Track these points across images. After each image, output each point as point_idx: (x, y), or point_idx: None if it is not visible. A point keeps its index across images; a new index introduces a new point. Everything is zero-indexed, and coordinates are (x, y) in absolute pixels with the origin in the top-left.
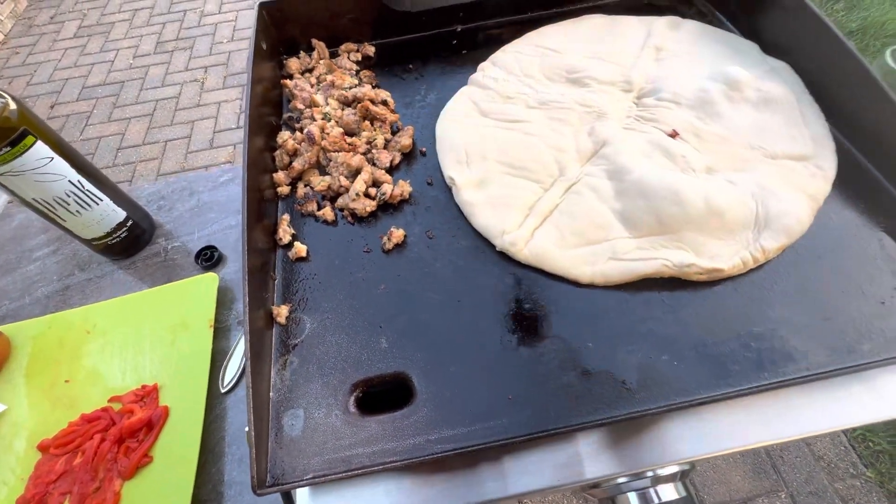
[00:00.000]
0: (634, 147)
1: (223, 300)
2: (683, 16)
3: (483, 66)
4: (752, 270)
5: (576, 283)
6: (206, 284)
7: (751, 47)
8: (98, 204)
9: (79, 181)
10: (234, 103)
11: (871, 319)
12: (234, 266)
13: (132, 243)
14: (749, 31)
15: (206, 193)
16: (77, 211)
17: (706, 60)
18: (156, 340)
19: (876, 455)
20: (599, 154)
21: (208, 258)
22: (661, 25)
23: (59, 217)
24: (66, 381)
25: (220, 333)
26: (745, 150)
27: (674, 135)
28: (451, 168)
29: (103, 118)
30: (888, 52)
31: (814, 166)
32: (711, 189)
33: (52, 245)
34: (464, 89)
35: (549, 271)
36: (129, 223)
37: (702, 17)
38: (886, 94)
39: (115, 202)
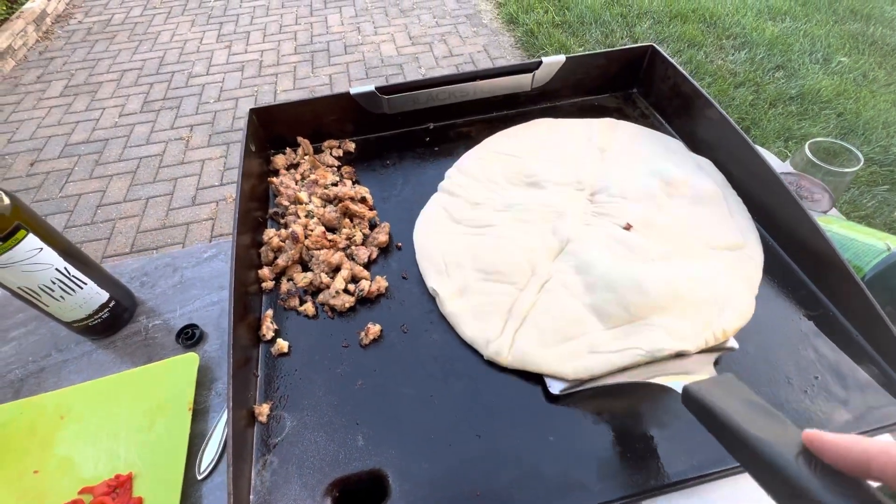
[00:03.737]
0: (596, 241)
1: (203, 380)
2: (628, 117)
3: (450, 172)
4: None
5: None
6: (186, 366)
7: (678, 145)
8: (82, 288)
9: (65, 268)
10: (218, 161)
11: (796, 407)
12: (216, 344)
13: (113, 323)
14: (682, 131)
15: (189, 270)
16: (61, 297)
17: (643, 158)
18: (132, 425)
19: None
20: (566, 251)
21: (189, 337)
22: (600, 128)
23: (42, 303)
24: (35, 472)
25: (199, 416)
26: (689, 239)
27: (628, 227)
28: (433, 279)
29: (84, 175)
30: (807, 145)
31: (746, 256)
32: (670, 274)
33: (29, 325)
34: (435, 197)
35: (534, 371)
36: (112, 304)
37: (644, 118)
38: (792, 195)
39: (98, 284)
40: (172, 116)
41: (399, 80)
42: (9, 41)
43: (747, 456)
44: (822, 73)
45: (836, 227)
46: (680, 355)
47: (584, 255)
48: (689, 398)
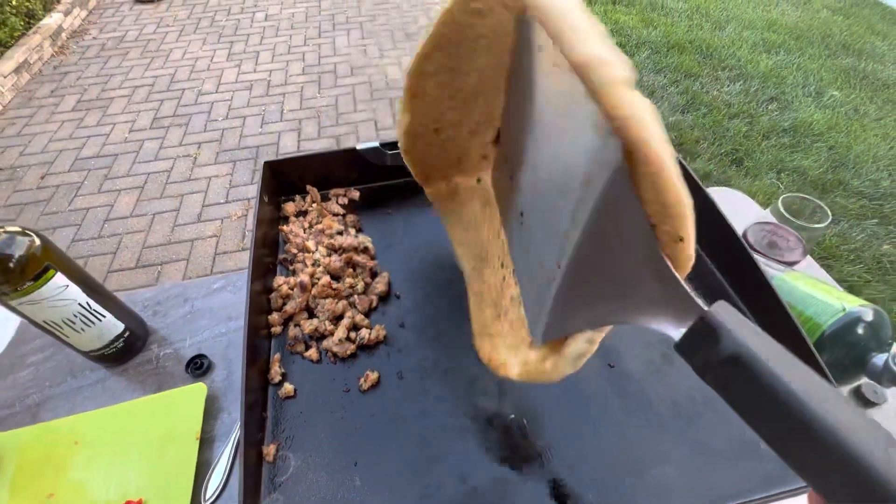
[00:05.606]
0: None
1: (210, 410)
2: None
3: None
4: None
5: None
6: (195, 395)
7: None
8: (101, 321)
9: (87, 302)
10: (224, 178)
11: (752, 458)
12: (223, 374)
13: (126, 352)
14: None
15: (199, 300)
16: (81, 329)
17: None
18: (143, 452)
19: None
20: None
21: (198, 367)
22: None
23: (63, 335)
24: (50, 496)
25: (206, 444)
26: None
27: None
28: None
29: (93, 189)
30: (780, 200)
31: None
32: None
33: (46, 350)
34: None
35: None
36: (127, 334)
37: None
38: (751, 258)
39: (115, 316)
40: (181, 133)
41: None
42: (25, 55)
43: (805, 443)
44: (815, 106)
45: (801, 283)
46: None
47: None
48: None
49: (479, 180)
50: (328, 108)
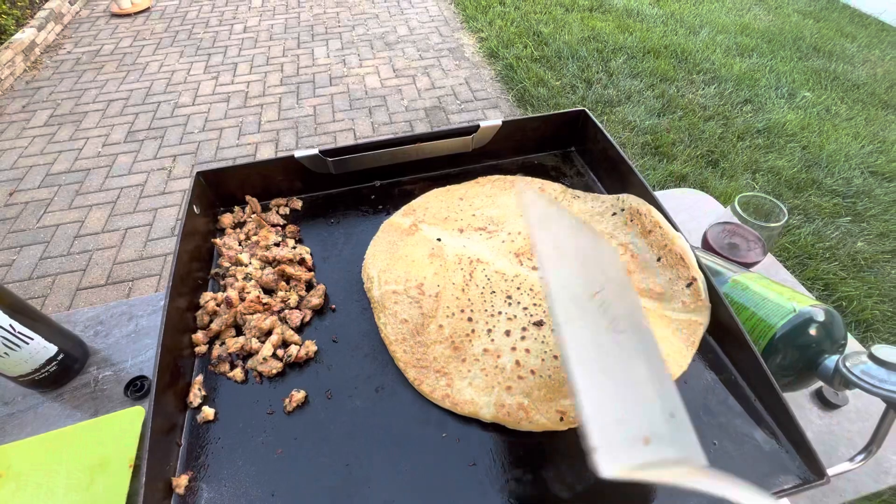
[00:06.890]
0: None
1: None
2: (565, 175)
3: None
4: None
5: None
6: (131, 420)
7: None
8: (28, 343)
9: (10, 325)
10: None
11: None
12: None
13: (62, 375)
14: (612, 190)
15: (144, 318)
16: (5, 353)
17: None
18: (71, 484)
19: None
20: None
21: (138, 389)
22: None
23: None
24: None
25: (141, 472)
26: None
27: None
28: None
29: (64, 205)
30: (736, 200)
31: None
32: None
33: None
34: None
35: None
36: (60, 357)
37: (580, 176)
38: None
39: (46, 338)
40: (156, 147)
41: (382, 111)
42: None
43: None
44: (788, 107)
45: (755, 285)
46: None
47: None
48: None
49: (439, 239)
50: (306, 118)
